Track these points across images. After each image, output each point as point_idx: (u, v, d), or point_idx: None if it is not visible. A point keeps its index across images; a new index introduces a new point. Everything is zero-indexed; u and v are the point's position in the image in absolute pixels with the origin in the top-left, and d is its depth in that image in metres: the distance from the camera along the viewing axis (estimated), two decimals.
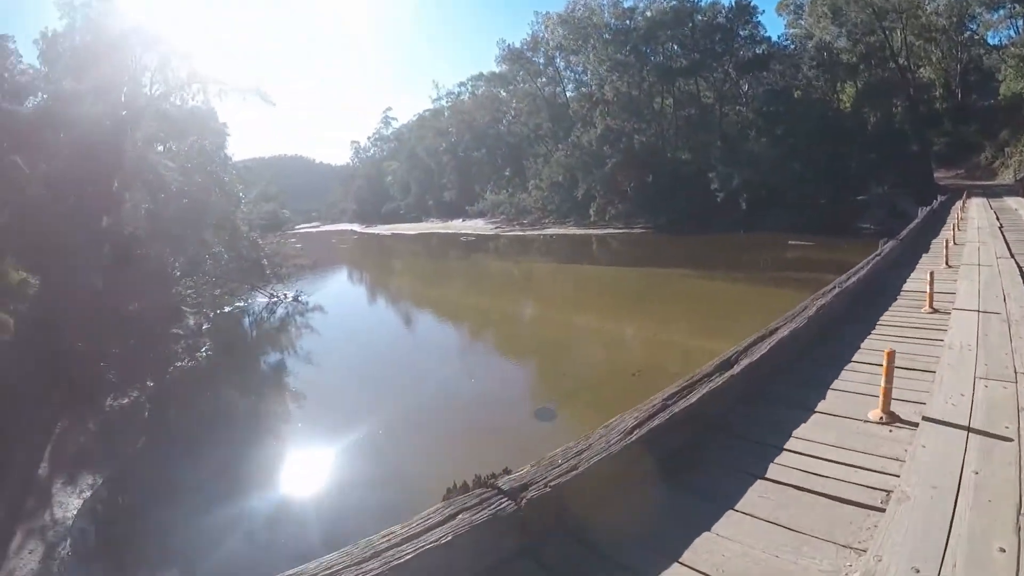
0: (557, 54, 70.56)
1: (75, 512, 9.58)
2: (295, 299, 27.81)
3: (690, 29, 57.13)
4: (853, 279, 9.87)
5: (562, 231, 57.39)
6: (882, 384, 4.65)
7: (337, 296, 35.04)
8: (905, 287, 10.57)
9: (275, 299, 27.31)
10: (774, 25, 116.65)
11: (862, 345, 6.96)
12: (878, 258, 12.42)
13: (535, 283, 33.78)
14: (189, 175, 20.77)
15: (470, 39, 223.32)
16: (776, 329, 6.70)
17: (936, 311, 8.41)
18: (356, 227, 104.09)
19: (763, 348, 5.82)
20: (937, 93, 60.42)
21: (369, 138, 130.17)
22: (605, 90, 62.30)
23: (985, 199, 32.85)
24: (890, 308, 8.95)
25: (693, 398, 4.44)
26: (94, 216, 16.67)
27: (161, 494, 10.52)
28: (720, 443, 4.39)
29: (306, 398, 15.36)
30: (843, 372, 5.95)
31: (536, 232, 59.42)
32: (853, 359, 6.40)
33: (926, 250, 15.31)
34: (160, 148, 20.70)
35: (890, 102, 52.25)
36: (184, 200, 19.77)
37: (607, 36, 60.88)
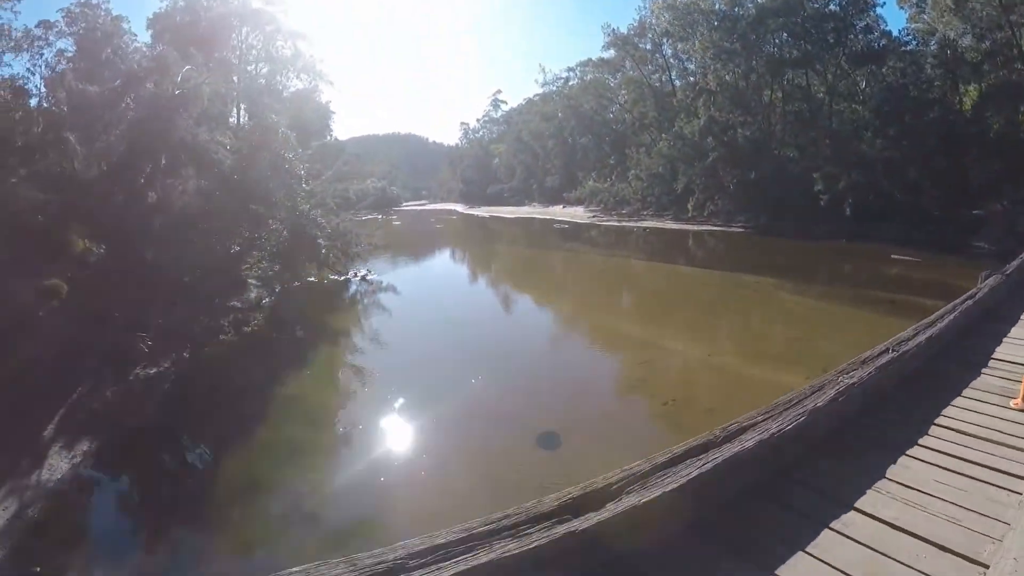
0: (665, 41, 68.46)
1: (59, 476, 9.74)
2: (363, 279, 28.06)
3: (802, 18, 53.41)
4: (920, 339, 7.38)
5: (658, 224, 56.01)
6: None
7: (409, 277, 35.32)
8: (997, 353, 7.80)
9: (344, 278, 27.61)
10: (895, 19, 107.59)
11: (888, 474, 4.69)
12: (970, 302, 9.54)
13: (611, 282, 32.51)
14: (243, 154, 21.00)
15: (581, 23, 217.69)
16: (746, 428, 4.73)
17: None
18: (459, 207, 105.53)
19: (685, 473, 3.85)
20: None
21: (478, 120, 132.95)
22: (709, 79, 59.97)
23: None
24: (964, 391, 6.46)
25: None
26: (143, 191, 17.16)
27: (146, 467, 10.93)
28: None
29: (316, 382, 15.19)
30: (822, 534, 3.84)
31: (632, 224, 58.39)
32: (857, 504, 4.20)
33: None
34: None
35: (1016, 107, 47.00)
36: (235, 176, 20.01)
37: (715, 22, 58.38)
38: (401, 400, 13.29)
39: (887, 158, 42.31)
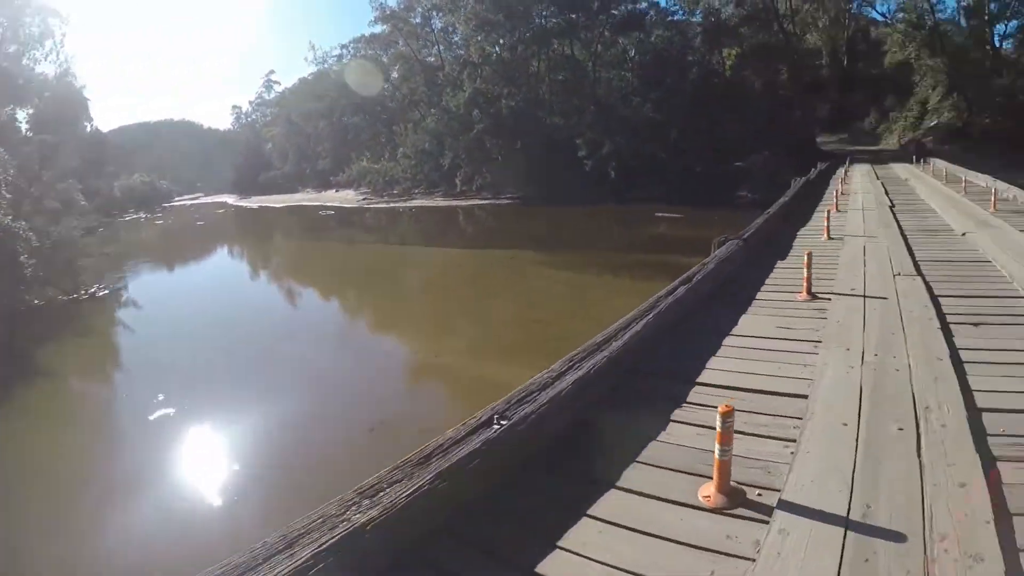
0: (434, 14, 65.34)
1: None
2: (93, 296, 23.96)
3: None
4: (540, 399, 3.96)
5: (428, 203, 53.11)
6: None
7: (152, 287, 30.27)
8: (705, 373, 4.91)
9: (73, 296, 23.54)
10: None
11: None
12: (685, 288, 6.69)
13: (354, 274, 29.01)
14: None
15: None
16: None
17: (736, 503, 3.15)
18: (230, 199, 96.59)
19: None
20: (824, 61, 61.50)
21: (251, 103, 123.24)
22: (471, 51, 58.13)
23: (870, 166, 31.20)
24: (597, 503, 3.27)
25: None
26: None
27: None
28: None
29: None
30: None
31: (402, 204, 54.92)
32: None
33: (783, 255, 9.88)
34: None
35: (774, 67, 51.75)
36: None
37: None
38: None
39: (650, 120, 43.10)
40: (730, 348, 5.48)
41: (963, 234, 10.90)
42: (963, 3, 50.35)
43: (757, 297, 7.25)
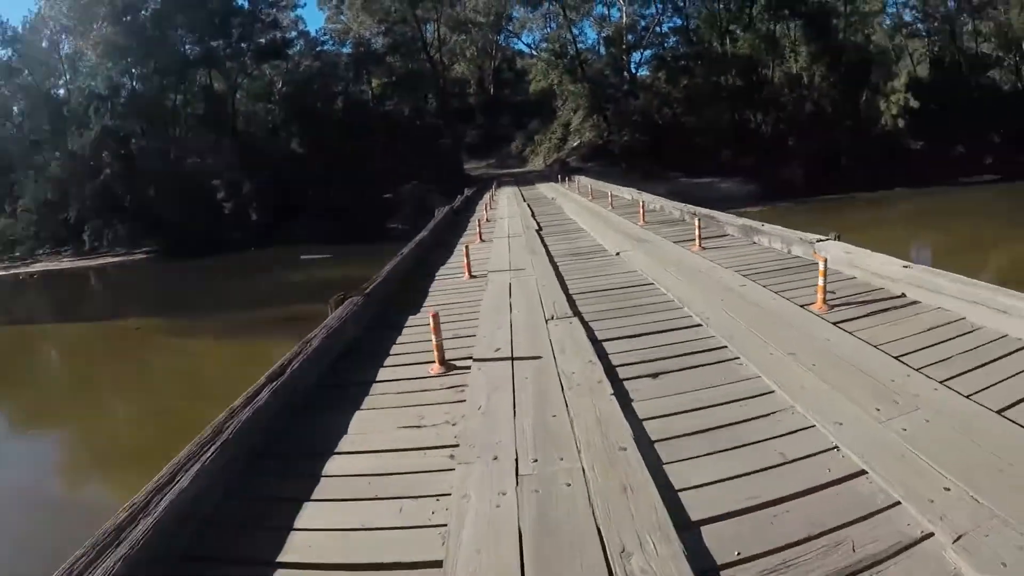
0: (64, 38, 56.48)
1: None
2: None
3: (207, 13, 48.93)
4: None
5: (55, 266, 44.76)
6: None
7: None
8: (293, 541, 3.02)
9: None
10: (316, 19, 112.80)
11: None
12: (270, 391, 4.32)
13: None
14: None
15: None
16: None
17: None
18: None
19: None
20: (472, 89, 66.68)
21: None
22: (98, 82, 51.33)
23: (517, 188, 32.11)
24: None
25: None
26: None
27: None
28: None
29: None
30: None
31: (24, 270, 45.65)
32: None
33: (417, 308, 7.79)
34: None
35: (422, 96, 54.02)
36: None
37: (121, 17, 49.43)
38: None
39: (295, 155, 42.33)
40: (333, 482, 3.60)
41: (617, 254, 10.23)
42: (603, 34, 58.84)
43: (378, 379, 5.24)
